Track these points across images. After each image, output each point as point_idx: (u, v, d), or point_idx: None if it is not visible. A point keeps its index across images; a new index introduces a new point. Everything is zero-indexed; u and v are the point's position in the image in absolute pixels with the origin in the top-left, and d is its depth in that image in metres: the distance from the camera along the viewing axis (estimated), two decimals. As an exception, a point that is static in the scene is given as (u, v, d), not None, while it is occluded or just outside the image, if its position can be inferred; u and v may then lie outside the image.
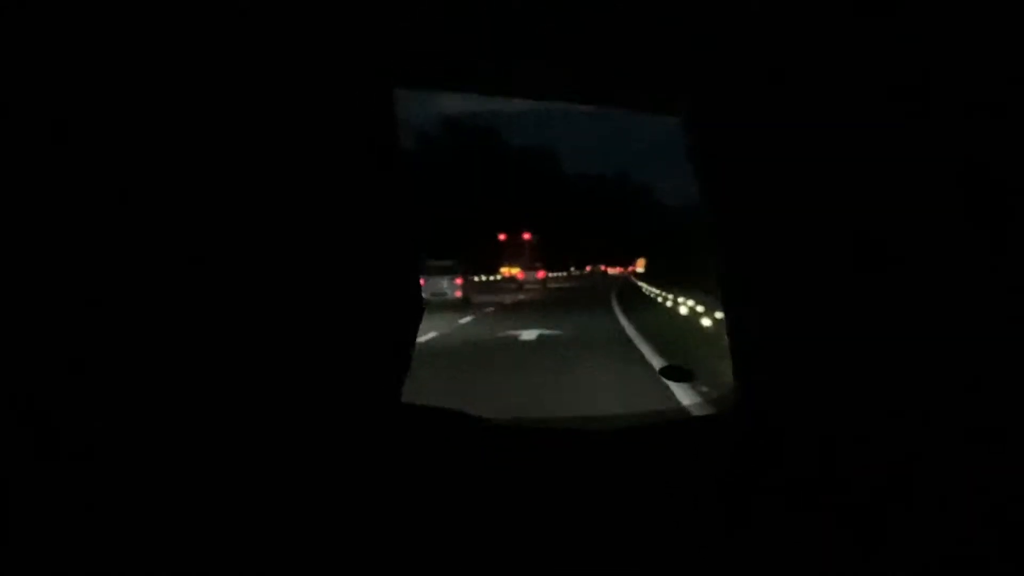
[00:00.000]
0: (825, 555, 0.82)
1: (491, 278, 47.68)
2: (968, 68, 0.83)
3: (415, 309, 0.69)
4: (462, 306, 20.39)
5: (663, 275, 35.28)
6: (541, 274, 45.84)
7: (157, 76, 0.56)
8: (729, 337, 1.04)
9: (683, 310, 15.25)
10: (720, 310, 1.07)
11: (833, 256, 0.90)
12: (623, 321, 16.11)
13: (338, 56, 0.65)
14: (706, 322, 11.61)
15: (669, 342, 10.93)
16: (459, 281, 21.71)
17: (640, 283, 32.43)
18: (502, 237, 52.16)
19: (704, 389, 6.45)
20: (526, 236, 51.57)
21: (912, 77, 0.85)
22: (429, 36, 0.92)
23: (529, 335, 12.85)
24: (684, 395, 6.55)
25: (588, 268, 71.37)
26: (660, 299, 21.25)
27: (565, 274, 64.06)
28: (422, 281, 0.73)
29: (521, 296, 28.45)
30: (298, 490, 0.60)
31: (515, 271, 47.14)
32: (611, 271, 69.59)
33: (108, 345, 0.54)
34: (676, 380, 6.49)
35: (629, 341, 12.12)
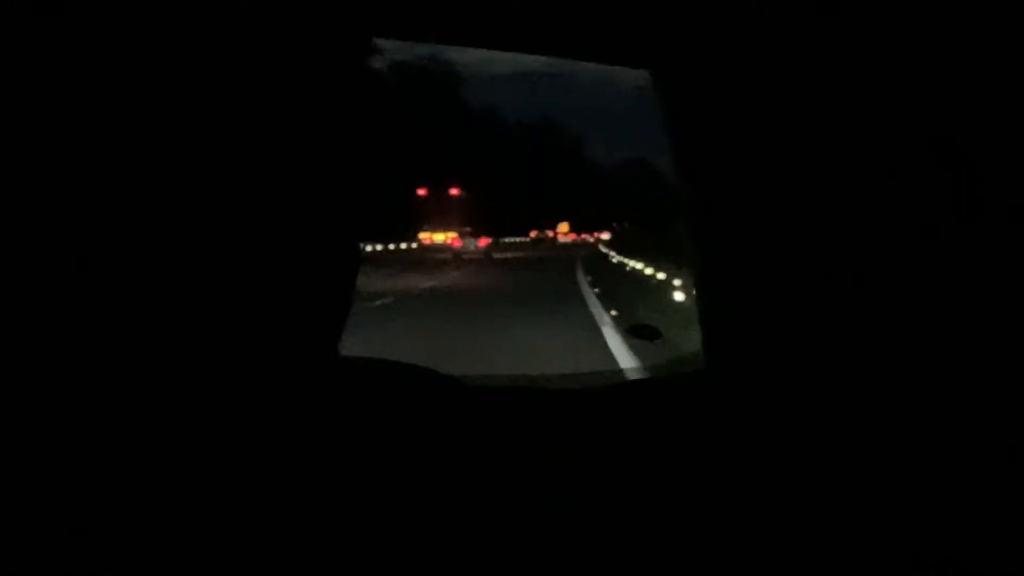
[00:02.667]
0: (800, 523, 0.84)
1: (404, 247, 36.03)
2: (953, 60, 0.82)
3: (353, 261, 0.67)
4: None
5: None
6: (483, 241, 35.03)
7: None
8: (699, 306, 1.05)
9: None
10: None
11: (811, 235, 0.90)
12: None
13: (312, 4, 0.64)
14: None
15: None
16: None
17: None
18: (421, 192, 40.34)
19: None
20: (453, 191, 39.73)
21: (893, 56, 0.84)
22: None
23: None
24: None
25: (533, 234, 59.22)
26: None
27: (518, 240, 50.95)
28: None
29: (435, 282, 17.11)
30: (248, 455, 0.58)
31: (443, 237, 35.75)
32: (562, 238, 58.10)
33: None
34: (645, 338, 6.08)
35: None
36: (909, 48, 0.82)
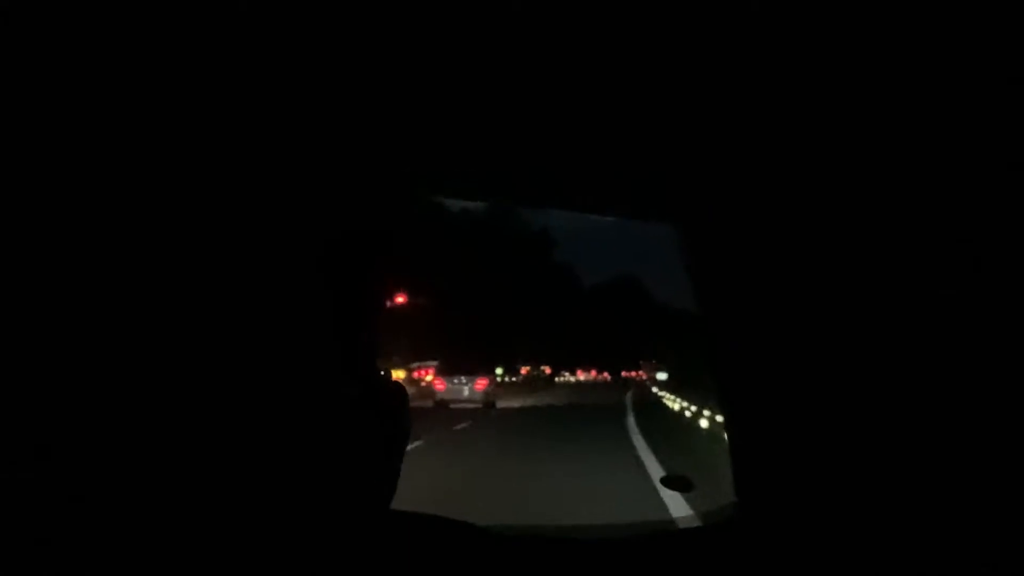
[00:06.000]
0: None
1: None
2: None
3: (403, 425, 0.72)
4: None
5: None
6: (481, 383, 19.97)
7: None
8: (730, 449, 1.05)
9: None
10: None
11: (833, 365, 0.92)
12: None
13: (352, 157, 0.71)
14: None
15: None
16: None
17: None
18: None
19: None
20: (399, 299, 23.51)
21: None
22: (454, 153, 0.96)
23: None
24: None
25: (524, 371, 42.76)
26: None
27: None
28: None
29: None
30: None
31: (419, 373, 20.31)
32: (583, 375, 41.77)
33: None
34: (676, 490, 6.05)
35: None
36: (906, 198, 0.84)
